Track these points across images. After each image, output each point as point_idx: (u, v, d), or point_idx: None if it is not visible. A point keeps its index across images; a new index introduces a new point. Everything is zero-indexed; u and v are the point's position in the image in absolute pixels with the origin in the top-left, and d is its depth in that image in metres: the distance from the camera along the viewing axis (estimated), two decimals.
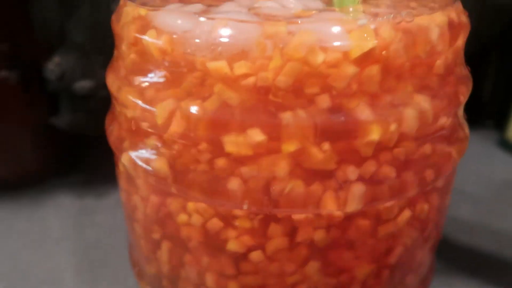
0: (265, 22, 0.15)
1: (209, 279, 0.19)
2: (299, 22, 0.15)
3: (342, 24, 0.15)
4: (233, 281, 0.19)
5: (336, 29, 0.15)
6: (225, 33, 0.15)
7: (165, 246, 0.20)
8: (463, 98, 0.19)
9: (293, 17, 0.16)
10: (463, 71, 0.20)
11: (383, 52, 0.15)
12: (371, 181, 0.17)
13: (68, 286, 0.26)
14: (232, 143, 0.16)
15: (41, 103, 0.33)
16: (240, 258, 0.18)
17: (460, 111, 0.20)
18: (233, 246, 0.18)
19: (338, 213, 0.17)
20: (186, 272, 0.20)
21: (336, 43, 0.15)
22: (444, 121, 0.18)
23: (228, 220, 0.17)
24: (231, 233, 0.18)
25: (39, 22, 0.31)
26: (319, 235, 0.17)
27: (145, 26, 0.17)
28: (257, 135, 0.16)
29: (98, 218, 0.31)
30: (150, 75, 0.17)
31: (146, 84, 0.18)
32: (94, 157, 0.38)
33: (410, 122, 0.17)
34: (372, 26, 0.15)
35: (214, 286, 0.19)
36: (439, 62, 0.17)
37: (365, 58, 0.15)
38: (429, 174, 0.18)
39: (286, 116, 0.16)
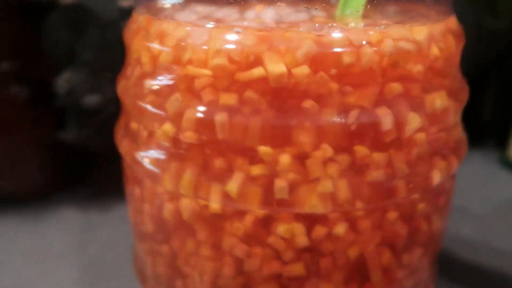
0: (167, 19, 0.19)
1: None
2: (197, 24, 0.18)
3: (212, 30, 0.17)
4: None
5: (204, 33, 0.17)
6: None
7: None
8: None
9: (230, 22, 0.19)
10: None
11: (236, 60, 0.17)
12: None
13: None
14: None
15: (48, 118, 0.33)
16: None
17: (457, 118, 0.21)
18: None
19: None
20: None
21: (201, 46, 0.17)
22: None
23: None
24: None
25: (49, 41, 0.32)
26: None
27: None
28: None
29: (103, 233, 0.31)
30: (159, 77, 0.18)
31: (156, 87, 0.19)
32: (100, 172, 0.38)
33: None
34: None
35: None
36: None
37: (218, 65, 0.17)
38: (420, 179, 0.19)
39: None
